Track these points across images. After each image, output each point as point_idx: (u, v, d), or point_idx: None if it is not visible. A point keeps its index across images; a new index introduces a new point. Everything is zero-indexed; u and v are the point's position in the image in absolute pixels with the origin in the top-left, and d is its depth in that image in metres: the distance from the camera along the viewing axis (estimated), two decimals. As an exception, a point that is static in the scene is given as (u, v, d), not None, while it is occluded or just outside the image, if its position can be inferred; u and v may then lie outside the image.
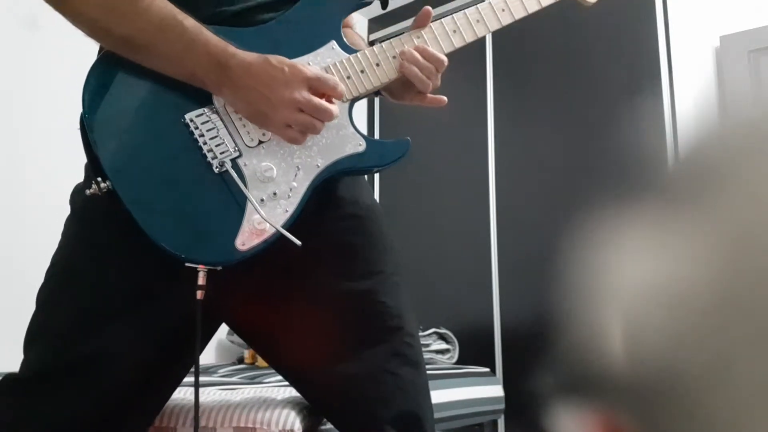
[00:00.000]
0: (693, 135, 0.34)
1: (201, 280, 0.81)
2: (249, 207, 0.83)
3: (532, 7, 0.94)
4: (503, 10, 0.93)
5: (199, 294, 0.81)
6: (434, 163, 2.76)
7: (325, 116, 0.82)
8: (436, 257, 2.68)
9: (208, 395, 1.19)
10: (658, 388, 0.31)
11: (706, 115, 0.34)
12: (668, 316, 0.30)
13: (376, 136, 3.04)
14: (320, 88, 0.82)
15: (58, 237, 0.90)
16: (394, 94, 0.98)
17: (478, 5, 0.93)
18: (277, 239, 0.83)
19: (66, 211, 0.91)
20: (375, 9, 2.76)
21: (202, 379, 1.52)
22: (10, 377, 0.84)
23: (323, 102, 0.82)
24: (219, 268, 0.82)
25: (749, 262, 0.28)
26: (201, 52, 0.81)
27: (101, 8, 0.80)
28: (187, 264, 0.81)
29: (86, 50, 0.89)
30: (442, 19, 0.92)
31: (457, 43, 0.92)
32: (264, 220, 0.82)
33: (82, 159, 0.89)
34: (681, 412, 0.30)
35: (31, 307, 0.87)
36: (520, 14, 0.94)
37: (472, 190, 2.64)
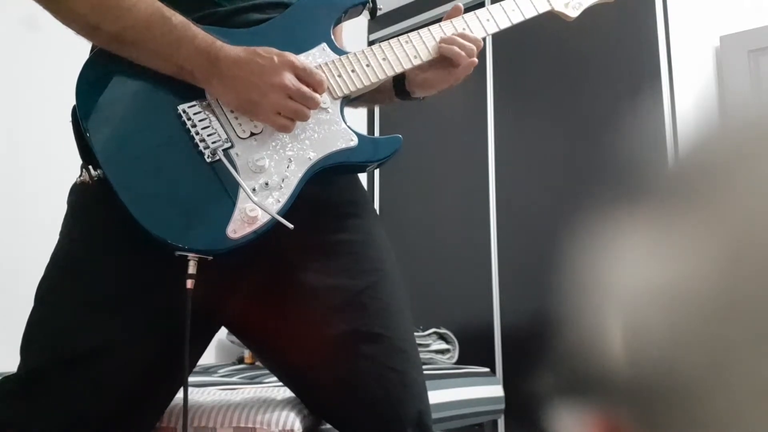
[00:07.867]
0: (693, 135, 0.34)
1: (191, 269, 0.80)
2: (240, 196, 0.82)
3: (517, 18, 1.07)
4: (488, 20, 1.05)
5: (189, 283, 0.80)
6: (434, 163, 2.76)
7: (312, 104, 0.85)
8: (436, 257, 2.68)
9: (208, 395, 1.19)
10: (658, 389, 0.31)
11: (706, 115, 0.34)
12: (668, 317, 0.30)
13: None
14: (306, 78, 0.85)
15: (57, 236, 0.90)
16: (425, 76, 1.01)
17: (475, 11, 1.05)
18: (269, 230, 0.82)
19: (65, 209, 0.90)
20: (375, 9, 2.73)
21: (202, 379, 1.52)
22: (7, 378, 0.83)
23: (310, 90, 0.84)
24: (210, 257, 0.81)
25: (749, 262, 0.28)
26: (189, 47, 0.82)
27: (90, 5, 0.81)
28: (177, 253, 0.80)
29: (85, 50, 0.90)
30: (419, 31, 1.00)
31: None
32: (256, 205, 0.81)
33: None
34: (681, 413, 0.30)
35: (29, 308, 0.86)
36: (492, 30, 1.06)
37: (472, 190, 2.64)
